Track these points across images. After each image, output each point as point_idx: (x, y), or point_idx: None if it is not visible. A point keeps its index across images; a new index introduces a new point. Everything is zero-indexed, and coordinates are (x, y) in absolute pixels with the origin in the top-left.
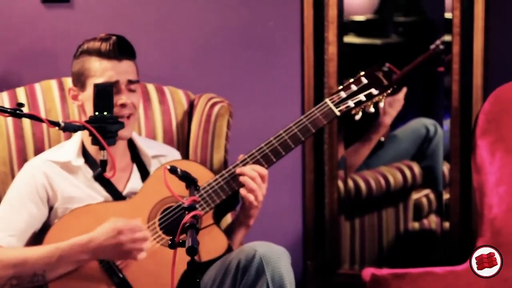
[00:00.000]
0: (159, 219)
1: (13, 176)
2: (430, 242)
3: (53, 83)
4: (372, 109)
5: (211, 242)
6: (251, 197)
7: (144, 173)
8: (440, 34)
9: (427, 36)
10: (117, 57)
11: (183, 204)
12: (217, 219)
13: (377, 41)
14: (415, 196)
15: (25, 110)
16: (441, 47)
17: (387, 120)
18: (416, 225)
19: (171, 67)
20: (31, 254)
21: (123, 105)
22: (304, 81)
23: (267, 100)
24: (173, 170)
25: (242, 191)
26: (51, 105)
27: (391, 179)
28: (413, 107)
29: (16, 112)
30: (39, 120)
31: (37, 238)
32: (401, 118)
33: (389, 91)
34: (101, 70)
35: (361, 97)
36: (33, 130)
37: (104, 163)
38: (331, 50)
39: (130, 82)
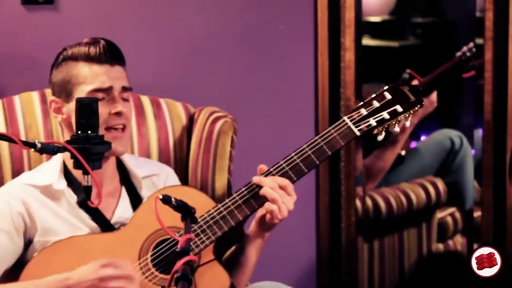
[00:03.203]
0: (152, 255)
1: None
2: (456, 265)
3: (35, 95)
4: (397, 129)
5: (212, 281)
6: (273, 207)
7: (134, 198)
8: (465, 37)
9: (448, 39)
10: (109, 62)
11: (177, 247)
12: (219, 254)
13: (394, 44)
14: (439, 215)
15: (2, 126)
16: (468, 54)
17: (414, 119)
18: (440, 246)
19: (167, 76)
20: None
21: (118, 114)
22: (318, 91)
23: (275, 114)
24: (166, 200)
25: (266, 204)
26: (31, 120)
27: (413, 197)
28: (435, 117)
29: None
30: (12, 141)
31: (11, 277)
32: (423, 130)
33: (416, 109)
34: (92, 75)
35: (384, 114)
36: (10, 149)
37: (88, 189)
38: (348, 56)
39: (124, 89)
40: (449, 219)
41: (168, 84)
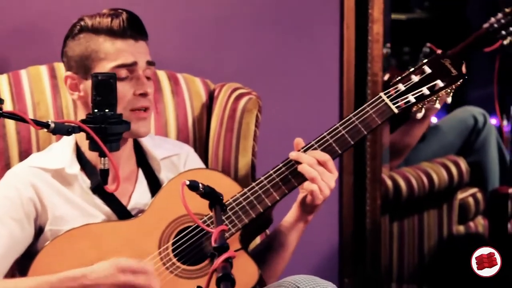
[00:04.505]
0: (173, 243)
1: None
2: (477, 248)
3: (43, 70)
4: (438, 105)
5: (239, 272)
6: (313, 186)
7: (152, 181)
8: (474, 9)
9: (457, 11)
10: (133, 37)
11: (212, 243)
12: (245, 243)
13: (401, 16)
14: (460, 195)
15: (8, 103)
16: (496, 25)
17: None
18: (461, 228)
19: (184, 50)
20: (12, 287)
21: (143, 95)
22: (343, 66)
23: (298, 90)
24: (193, 187)
25: (305, 183)
26: (40, 97)
27: (435, 177)
28: (457, 94)
29: None
30: (23, 120)
31: (21, 267)
32: (444, 107)
33: (458, 84)
34: (115, 52)
35: (424, 90)
36: (17, 128)
37: (105, 173)
38: (376, 29)
39: (148, 63)
40: (471, 200)
41: (184, 58)
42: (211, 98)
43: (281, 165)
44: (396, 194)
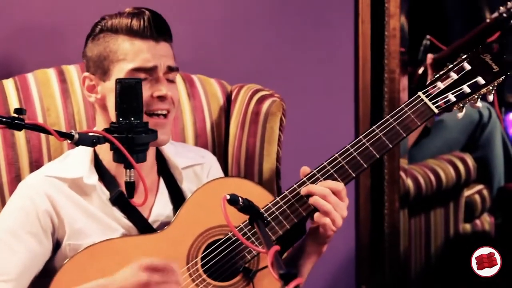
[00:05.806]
0: (202, 258)
1: (2, 199)
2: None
3: (51, 73)
4: (479, 104)
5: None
6: (326, 220)
7: (174, 191)
8: None
9: None
10: (154, 37)
11: (269, 267)
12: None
13: None
14: (466, 193)
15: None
16: (505, 15)
17: None
18: (467, 227)
19: (197, 49)
20: None
21: (161, 98)
22: (359, 63)
23: (312, 87)
24: (233, 201)
25: (316, 215)
26: (49, 102)
27: (443, 175)
28: None
29: (14, 123)
30: (46, 132)
31: (39, 286)
32: None
33: (500, 80)
34: (134, 52)
35: (465, 88)
36: (27, 137)
37: (131, 186)
38: (393, 24)
39: (170, 69)
40: (477, 197)
41: (197, 58)
42: (228, 100)
43: (315, 171)
44: (404, 194)
